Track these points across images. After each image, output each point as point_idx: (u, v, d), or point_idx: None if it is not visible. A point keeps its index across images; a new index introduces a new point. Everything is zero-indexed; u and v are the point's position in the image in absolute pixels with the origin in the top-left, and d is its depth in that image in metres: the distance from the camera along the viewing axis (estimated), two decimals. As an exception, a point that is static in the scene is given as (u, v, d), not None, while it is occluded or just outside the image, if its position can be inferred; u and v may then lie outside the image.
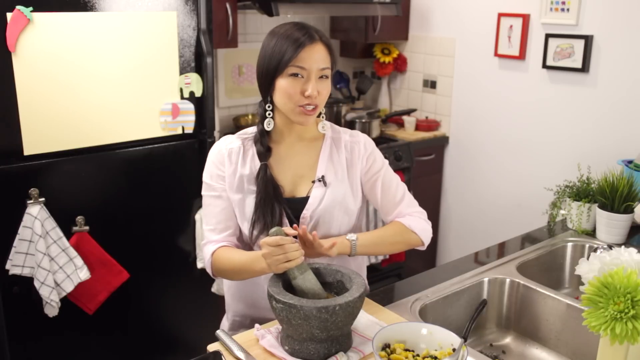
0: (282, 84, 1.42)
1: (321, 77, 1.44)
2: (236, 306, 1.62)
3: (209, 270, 1.54)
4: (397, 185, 1.60)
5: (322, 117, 1.56)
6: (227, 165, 1.52)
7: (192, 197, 2.46)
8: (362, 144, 1.58)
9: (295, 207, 1.51)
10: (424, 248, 1.60)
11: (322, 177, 1.52)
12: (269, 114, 1.50)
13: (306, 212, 1.50)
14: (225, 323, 1.68)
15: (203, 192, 1.55)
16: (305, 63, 1.40)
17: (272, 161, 1.53)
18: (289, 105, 1.44)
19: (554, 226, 2.12)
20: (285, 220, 1.50)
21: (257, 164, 1.51)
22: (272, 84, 1.45)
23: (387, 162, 1.62)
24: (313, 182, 1.52)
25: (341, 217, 1.54)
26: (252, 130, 1.57)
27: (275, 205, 1.48)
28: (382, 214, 1.62)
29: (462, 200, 3.51)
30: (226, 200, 1.52)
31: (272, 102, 1.49)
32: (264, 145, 1.52)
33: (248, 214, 1.50)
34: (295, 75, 1.41)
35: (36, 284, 2.06)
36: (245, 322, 1.61)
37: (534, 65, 3.01)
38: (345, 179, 1.55)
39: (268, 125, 1.50)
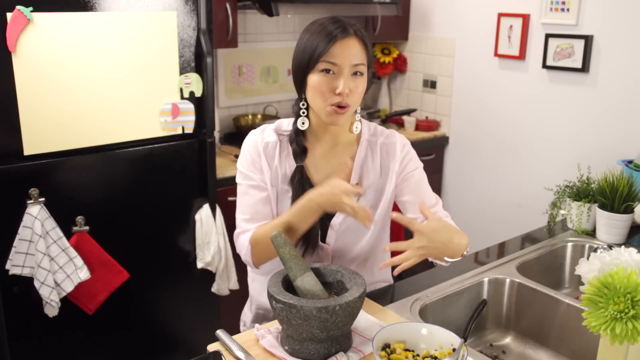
0: (313, 80, 1.37)
1: (355, 73, 1.38)
2: (259, 299, 1.62)
3: (248, 259, 1.46)
4: (429, 189, 1.56)
5: (358, 116, 1.50)
6: (264, 159, 1.48)
7: (192, 197, 2.46)
8: (397, 144, 1.54)
9: (326, 213, 1.46)
10: (447, 264, 1.49)
11: (356, 184, 1.49)
12: (304, 112, 1.45)
13: (336, 220, 1.49)
14: (247, 314, 1.68)
15: (238, 180, 1.50)
16: (337, 58, 1.35)
17: (307, 163, 1.49)
18: (320, 104, 1.38)
19: (554, 226, 2.12)
20: (316, 225, 1.47)
21: (292, 164, 1.47)
22: (304, 80, 1.40)
23: (422, 165, 1.58)
24: None
25: (372, 226, 1.52)
26: (287, 126, 1.52)
27: None
28: (407, 210, 1.55)
29: (462, 200, 3.51)
30: (264, 190, 1.48)
31: (306, 100, 1.44)
32: (300, 145, 1.48)
33: (281, 212, 1.48)
34: (326, 71, 1.36)
35: (36, 284, 2.06)
36: (269, 316, 1.61)
37: (534, 65, 3.01)
38: (378, 186, 1.51)
39: (302, 124, 1.46)
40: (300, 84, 1.42)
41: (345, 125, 1.50)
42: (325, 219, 1.49)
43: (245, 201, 1.49)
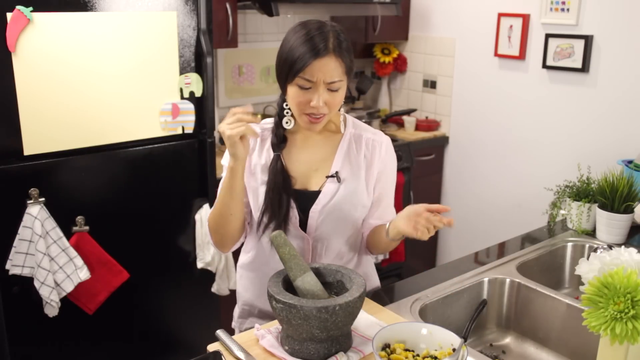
0: (291, 92, 1.43)
1: (330, 89, 1.42)
2: (244, 295, 1.65)
3: (212, 239, 1.55)
4: (392, 202, 1.62)
5: (342, 116, 1.56)
6: None
7: (192, 197, 2.46)
8: (384, 145, 1.57)
9: (306, 200, 1.50)
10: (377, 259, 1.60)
11: (337, 173, 1.52)
12: (287, 112, 1.50)
13: (316, 207, 1.50)
14: (236, 309, 1.71)
15: (223, 174, 1.55)
16: (313, 76, 1.39)
17: (287, 152, 1.53)
18: (296, 112, 1.45)
19: (554, 226, 2.11)
20: (295, 213, 1.49)
21: (272, 154, 1.52)
22: (284, 87, 1.45)
23: (395, 171, 1.62)
24: (327, 177, 1.52)
25: (351, 215, 1.54)
26: (271, 120, 1.57)
27: (284, 196, 1.48)
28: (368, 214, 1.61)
29: (462, 200, 3.51)
30: None
31: None
32: (279, 136, 1.52)
33: (260, 203, 1.51)
34: (302, 86, 1.40)
35: (36, 284, 2.06)
36: (254, 312, 1.64)
37: (534, 65, 3.01)
38: (361, 177, 1.54)
39: (287, 124, 1.51)
40: (282, 87, 1.48)
41: (325, 124, 1.53)
42: (306, 207, 1.50)
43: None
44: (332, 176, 1.51)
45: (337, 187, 1.51)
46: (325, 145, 1.55)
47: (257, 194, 1.52)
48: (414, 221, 1.37)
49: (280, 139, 1.52)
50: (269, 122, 1.57)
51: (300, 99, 1.41)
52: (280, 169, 1.49)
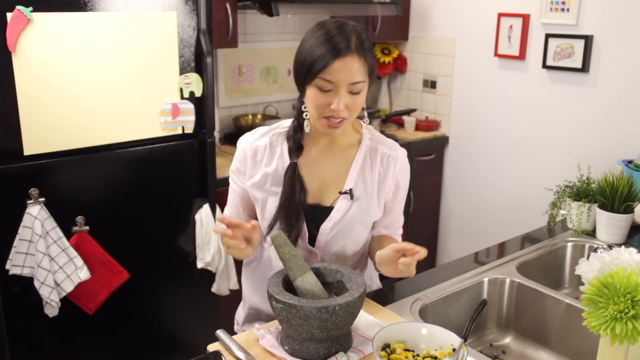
0: (310, 94, 1.36)
1: (351, 91, 1.35)
2: (252, 299, 1.63)
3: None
4: (399, 215, 1.60)
5: (366, 120, 1.51)
6: (250, 165, 1.48)
7: (192, 197, 2.46)
8: (398, 162, 1.52)
9: (317, 215, 1.47)
10: None
11: (350, 190, 1.47)
12: (306, 115, 1.43)
13: (327, 224, 1.47)
14: (240, 313, 1.69)
15: (230, 182, 1.58)
16: (334, 77, 1.32)
17: (301, 162, 1.47)
18: (315, 115, 1.38)
19: (554, 226, 2.12)
20: (305, 228, 1.46)
21: (286, 161, 1.46)
22: (303, 89, 1.39)
23: (408, 184, 1.58)
24: (340, 193, 1.47)
25: (361, 232, 1.52)
26: (287, 124, 1.51)
27: (300, 210, 1.43)
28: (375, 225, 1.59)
29: (462, 200, 3.51)
30: (239, 194, 1.54)
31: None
32: (297, 142, 1.46)
33: (268, 213, 1.47)
34: (322, 88, 1.34)
35: (36, 284, 2.06)
36: (261, 316, 1.61)
37: (534, 65, 3.01)
38: (374, 194, 1.49)
39: (307, 127, 1.44)
40: (300, 89, 1.41)
41: (345, 130, 1.49)
42: (318, 223, 1.47)
43: (228, 197, 1.59)
44: (345, 192, 1.47)
45: (349, 204, 1.47)
46: (341, 158, 1.50)
47: (265, 203, 1.48)
48: (394, 265, 1.35)
49: (298, 145, 1.46)
50: (284, 127, 1.51)
51: (319, 101, 1.34)
52: (297, 178, 1.44)
